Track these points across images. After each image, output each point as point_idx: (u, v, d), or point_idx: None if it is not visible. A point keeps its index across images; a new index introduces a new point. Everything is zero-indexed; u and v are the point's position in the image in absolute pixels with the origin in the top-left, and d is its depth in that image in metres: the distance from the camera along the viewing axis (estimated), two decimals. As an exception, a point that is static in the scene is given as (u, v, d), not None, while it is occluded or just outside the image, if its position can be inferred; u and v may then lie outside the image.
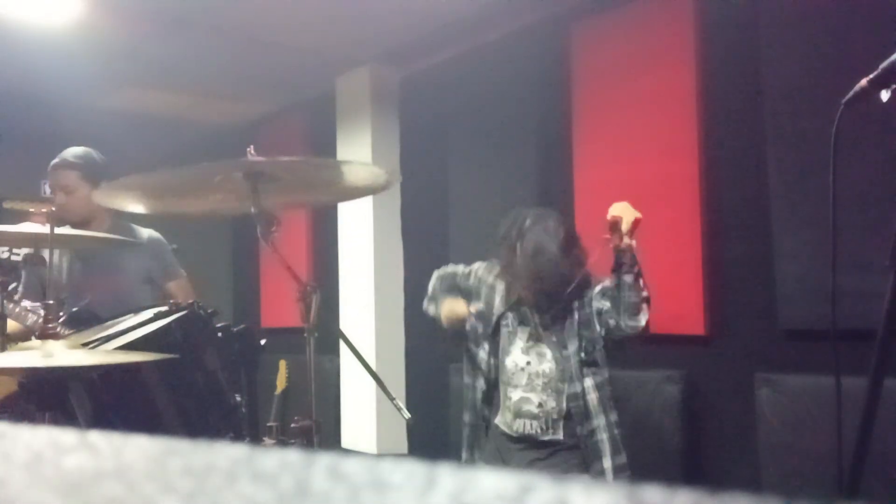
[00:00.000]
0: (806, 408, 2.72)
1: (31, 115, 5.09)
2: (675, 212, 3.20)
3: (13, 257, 2.59)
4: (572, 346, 2.45)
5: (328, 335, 3.45)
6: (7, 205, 5.09)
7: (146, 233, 3.15)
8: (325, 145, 4.93)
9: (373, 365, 2.48)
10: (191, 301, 2.13)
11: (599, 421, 2.40)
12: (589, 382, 2.42)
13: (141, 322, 2.02)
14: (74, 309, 2.84)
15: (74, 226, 2.90)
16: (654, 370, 3.24)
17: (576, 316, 2.48)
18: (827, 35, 2.75)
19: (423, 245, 4.53)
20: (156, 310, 2.07)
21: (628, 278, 2.39)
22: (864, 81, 1.43)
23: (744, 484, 2.96)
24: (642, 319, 2.38)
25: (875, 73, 1.41)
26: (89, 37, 4.06)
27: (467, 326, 2.58)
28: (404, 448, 4.47)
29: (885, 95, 1.41)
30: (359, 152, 4.63)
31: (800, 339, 2.82)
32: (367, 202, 4.51)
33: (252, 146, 1.84)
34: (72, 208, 2.98)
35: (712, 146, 3.16)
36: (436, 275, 2.77)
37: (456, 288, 2.68)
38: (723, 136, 3.14)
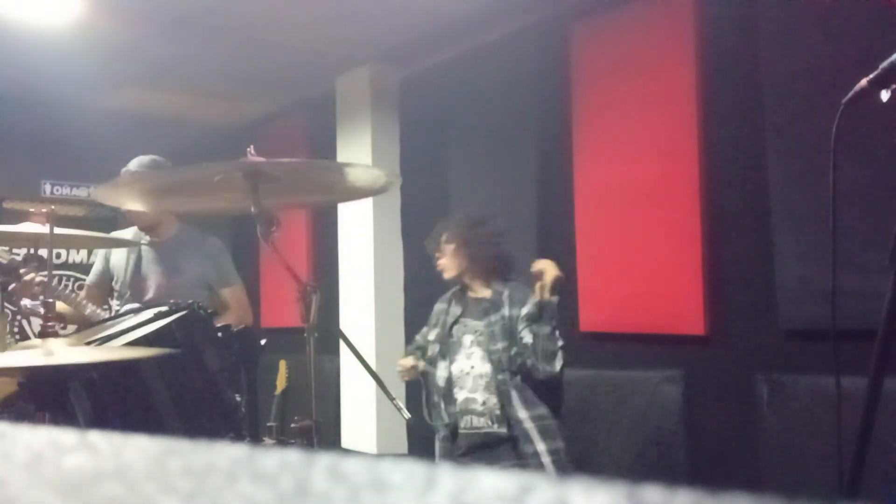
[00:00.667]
0: (806, 408, 2.72)
1: (31, 115, 5.09)
2: (675, 212, 3.20)
3: (13, 257, 2.60)
4: (501, 344, 2.67)
5: (328, 335, 3.45)
6: (7, 205, 5.11)
7: (210, 238, 3.26)
8: (325, 145, 4.93)
9: (373, 365, 2.49)
10: (191, 301, 2.13)
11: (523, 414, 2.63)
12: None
13: (141, 322, 2.02)
14: (133, 305, 2.90)
15: (142, 230, 3.17)
16: (654, 370, 3.24)
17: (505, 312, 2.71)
18: (827, 35, 2.75)
19: (423, 245, 4.52)
20: (156, 310, 2.07)
21: (545, 329, 2.56)
22: (864, 81, 1.43)
23: (744, 484, 2.96)
24: (557, 366, 2.57)
25: (875, 73, 1.41)
26: (89, 37, 4.06)
27: (421, 367, 2.89)
28: (404, 448, 4.47)
29: (885, 95, 1.41)
30: (359, 152, 4.63)
31: (800, 339, 2.82)
32: (367, 202, 4.51)
33: (252, 146, 1.84)
34: (138, 217, 3.14)
35: (712, 146, 3.16)
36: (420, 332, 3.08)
37: (426, 337, 2.97)
38: (723, 136, 3.14)
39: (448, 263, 2.87)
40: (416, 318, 4.51)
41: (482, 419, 2.66)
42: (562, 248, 3.61)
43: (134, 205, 2.13)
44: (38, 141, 5.31)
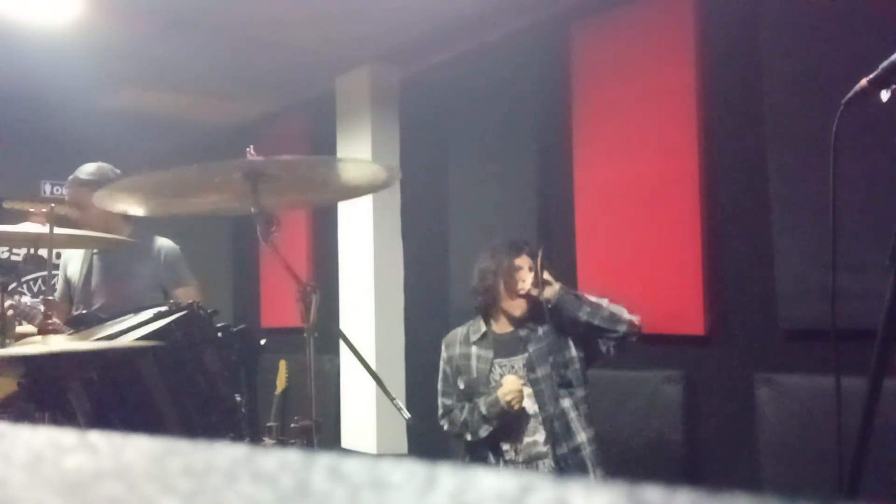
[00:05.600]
0: (806, 408, 2.72)
1: (31, 115, 5.09)
2: (675, 212, 3.20)
3: (13, 257, 2.60)
4: (543, 371, 2.56)
5: (328, 335, 3.45)
6: (7, 205, 5.10)
7: (161, 241, 3.24)
8: (325, 145, 4.93)
9: (373, 365, 2.48)
10: (191, 301, 2.13)
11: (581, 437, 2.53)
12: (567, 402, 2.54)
13: (141, 322, 2.02)
14: (81, 311, 2.89)
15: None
16: (654, 370, 3.24)
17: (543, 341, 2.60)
18: (827, 35, 2.75)
19: (423, 245, 4.53)
20: (156, 310, 2.07)
21: (583, 315, 2.50)
22: (864, 81, 1.43)
23: (744, 484, 2.96)
24: (625, 317, 2.51)
25: (875, 73, 1.41)
26: (89, 37, 4.06)
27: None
28: (404, 448, 4.47)
29: (884, 95, 1.41)
30: (359, 152, 4.63)
31: (800, 339, 2.82)
32: (366, 202, 4.51)
33: (252, 146, 1.84)
34: (86, 223, 3.08)
35: (712, 146, 3.16)
36: (440, 392, 2.79)
37: (456, 385, 2.72)
38: (723, 136, 3.14)
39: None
40: (416, 318, 4.52)
41: (546, 461, 2.54)
42: (562, 248, 3.61)
43: (134, 208, 2.13)
44: (38, 141, 5.31)
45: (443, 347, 2.78)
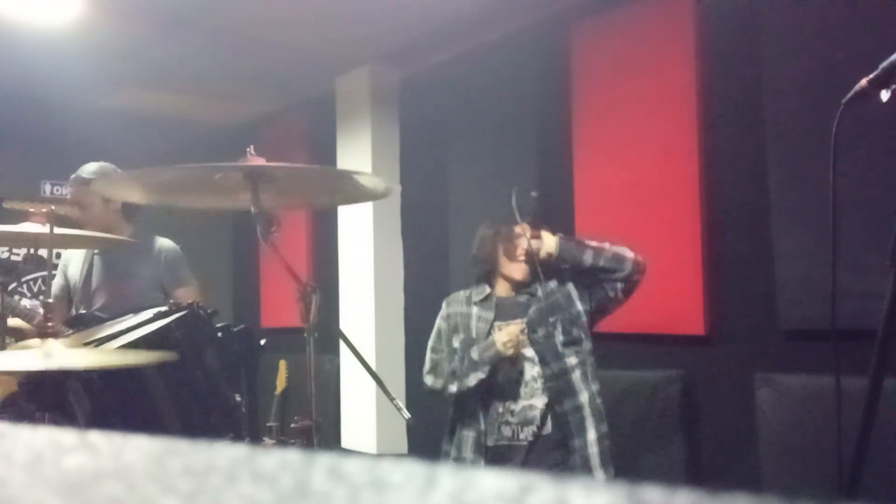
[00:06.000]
0: (806, 408, 2.72)
1: (31, 115, 5.09)
2: (675, 212, 3.20)
3: (13, 257, 2.61)
4: (543, 331, 2.53)
5: (328, 335, 3.46)
6: (7, 205, 5.10)
7: (162, 242, 3.23)
8: (324, 145, 4.93)
9: (373, 365, 2.48)
10: (191, 301, 2.13)
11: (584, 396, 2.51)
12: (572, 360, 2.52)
13: (141, 322, 2.02)
14: (81, 311, 2.89)
15: None
16: (654, 370, 3.24)
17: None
18: (827, 35, 2.75)
19: (423, 245, 4.53)
20: (156, 310, 2.07)
21: (588, 258, 2.52)
22: (864, 81, 1.43)
23: (744, 484, 2.96)
24: (629, 254, 2.52)
25: (875, 73, 1.41)
26: (89, 37, 4.06)
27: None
28: (404, 448, 4.47)
29: (885, 95, 1.41)
30: (359, 152, 4.63)
31: (800, 339, 2.82)
32: (367, 203, 4.51)
33: (252, 146, 1.84)
34: (88, 222, 3.09)
35: (712, 146, 3.16)
36: (430, 349, 2.75)
37: (450, 343, 2.68)
38: (723, 136, 3.14)
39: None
40: (416, 318, 4.51)
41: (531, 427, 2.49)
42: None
43: (134, 197, 2.14)
44: (38, 141, 5.31)
45: (443, 305, 2.75)
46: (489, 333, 2.57)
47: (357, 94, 4.69)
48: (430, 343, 2.74)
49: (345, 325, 4.57)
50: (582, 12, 3.64)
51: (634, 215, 3.34)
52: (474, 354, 2.52)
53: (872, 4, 2.63)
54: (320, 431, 1.80)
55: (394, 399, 1.99)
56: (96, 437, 0.38)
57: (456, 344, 2.63)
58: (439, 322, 2.73)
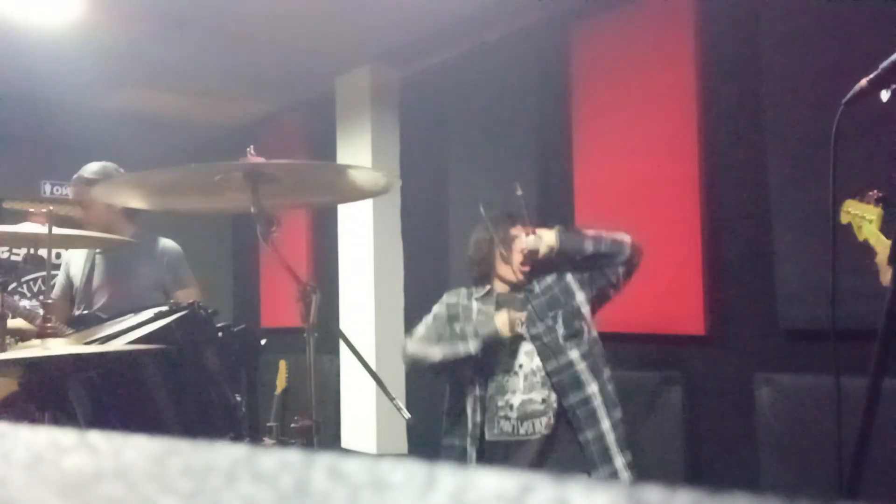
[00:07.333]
0: (806, 408, 2.72)
1: (31, 115, 5.09)
2: (675, 212, 3.20)
3: (13, 257, 2.61)
4: (543, 325, 2.52)
5: (328, 335, 3.46)
6: (7, 205, 5.11)
7: (164, 242, 3.24)
8: (324, 145, 4.93)
9: (373, 365, 2.48)
10: (191, 301, 2.13)
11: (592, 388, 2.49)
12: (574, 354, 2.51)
13: (141, 322, 2.02)
14: (82, 311, 2.89)
15: None
16: (654, 370, 3.24)
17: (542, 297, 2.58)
18: (827, 35, 2.75)
19: (423, 245, 4.53)
20: (156, 310, 2.07)
21: (588, 246, 2.52)
22: (864, 81, 1.42)
23: (744, 484, 2.96)
24: (625, 238, 2.53)
25: (875, 73, 1.41)
26: (89, 37, 4.06)
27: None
28: (404, 448, 4.47)
29: (885, 95, 1.41)
30: (358, 152, 4.63)
31: (800, 339, 2.82)
32: (367, 202, 4.51)
33: (252, 146, 1.84)
34: (90, 222, 3.09)
35: (712, 146, 3.16)
36: (421, 324, 2.72)
37: (449, 326, 2.63)
38: (723, 136, 3.14)
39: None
40: (416, 318, 4.51)
41: (543, 420, 2.46)
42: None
43: (134, 202, 2.14)
44: (38, 141, 5.31)
45: (443, 297, 2.73)
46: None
47: (357, 94, 4.69)
48: (423, 322, 2.69)
49: (345, 325, 4.57)
50: (582, 12, 3.63)
51: (634, 215, 3.34)
52: (468, 327, 2.51)
53: (872, 4, 2.63)
54: (320, 431, 1.80)
55: (394, 399, 1.99)
56: (96, 437, 0.38)
57: (450, 328, 2.60)
58: (437, 308, 2.70)
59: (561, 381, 2.47)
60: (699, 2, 3.21)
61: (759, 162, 2.97)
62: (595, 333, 2.58)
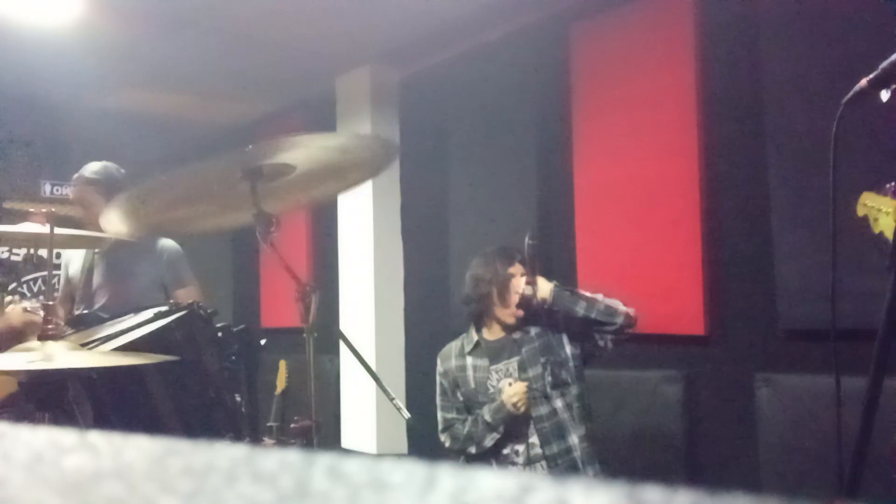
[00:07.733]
0: (806, 408, 2.72)
1: (31, 115, 5.09)
2: (675, 212, 3.20)
3: (13, 257, 2.61)
4: (534, 371, 2.57)
5: (328, 335, 3.45)
6: (7, 205, 5.10)
7: (164, 242, 3.24)
8: (325, 145, 4.92)
9: (373, 365, 2.48)
10: (191, 301, 2.13)
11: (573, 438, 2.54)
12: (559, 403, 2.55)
13: (141, 322, 2.02)
14: (82, 311, 2.89)
15: None
16: (654, 370, 3.24)
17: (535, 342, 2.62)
18: (827, 35, 2.75)
19: (423, 245, 4.53)
20: (156, 310, 2.07)
21: (580, 309, 2.52)
22: (864, 81, 1.42)
23: (744, 484, 2.96)
24: (620, 308, 2.53)
25: (875, 73, 1.41)
26: (89, 37, 4.06)
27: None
28: (404, 448, 4.47)
29: (885, 95, 1.41)
30: (359, 152, 4.62)
31: (800, 339, 2.82)
32: (366, 201, 4.51)
33: (252, 146, 1.83)
34: (91, 222, 3.08)
35: (712, 146, 3.16)
36: (440, 407, 2.78)
37: (456, 396, 2.71)
38: (723, 136, 3.14)
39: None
40: (416, 318, 4.52)
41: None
42: (562, 248, 3.61)
43: (139, 228, 2.11)
44: (38, 141, 5.31)
45: (438, 362, 2.78)
46: (487, 378, 2.62)
47: (357, 94, 4.69)
48: (438, 401, 2.78)
49: (345, 325, 4.57)
50: (582, 12, 3.64)
51: (634, 215, 3.34)
52: (487, 416, 2.56)
53: (872, 4, 2.63)
54: (320, 431, 1.80)
55: (394, 399, 1.99)
56: (96, 437, 0.38)
57: (461, 398, 2.68)
58: (440, 380, 2.77)
59: (545, 428, 2.53)
60: (699, 2, 3.21)
61: (759, 162, 2.97)
62: (578, 389, 2.60)
